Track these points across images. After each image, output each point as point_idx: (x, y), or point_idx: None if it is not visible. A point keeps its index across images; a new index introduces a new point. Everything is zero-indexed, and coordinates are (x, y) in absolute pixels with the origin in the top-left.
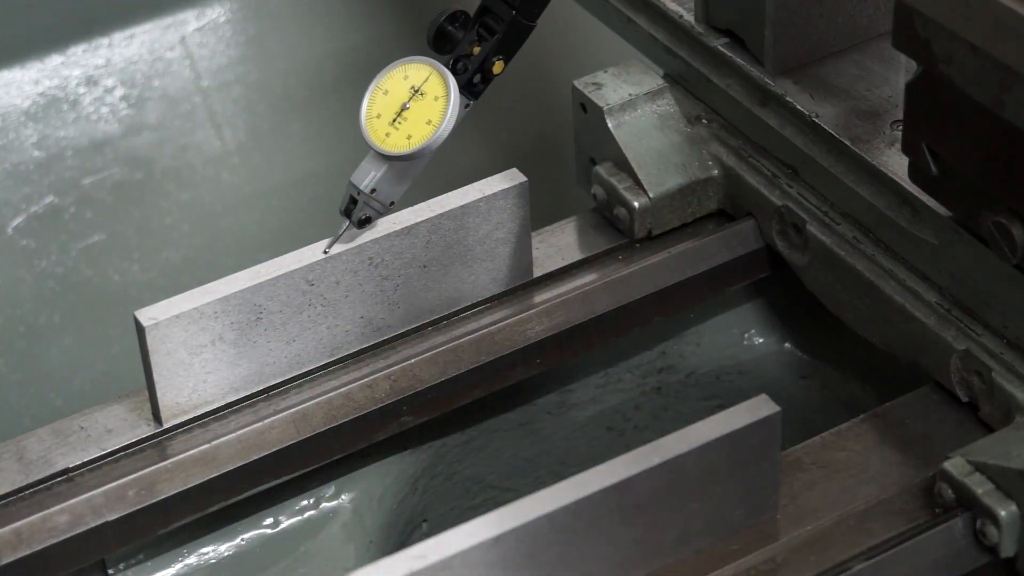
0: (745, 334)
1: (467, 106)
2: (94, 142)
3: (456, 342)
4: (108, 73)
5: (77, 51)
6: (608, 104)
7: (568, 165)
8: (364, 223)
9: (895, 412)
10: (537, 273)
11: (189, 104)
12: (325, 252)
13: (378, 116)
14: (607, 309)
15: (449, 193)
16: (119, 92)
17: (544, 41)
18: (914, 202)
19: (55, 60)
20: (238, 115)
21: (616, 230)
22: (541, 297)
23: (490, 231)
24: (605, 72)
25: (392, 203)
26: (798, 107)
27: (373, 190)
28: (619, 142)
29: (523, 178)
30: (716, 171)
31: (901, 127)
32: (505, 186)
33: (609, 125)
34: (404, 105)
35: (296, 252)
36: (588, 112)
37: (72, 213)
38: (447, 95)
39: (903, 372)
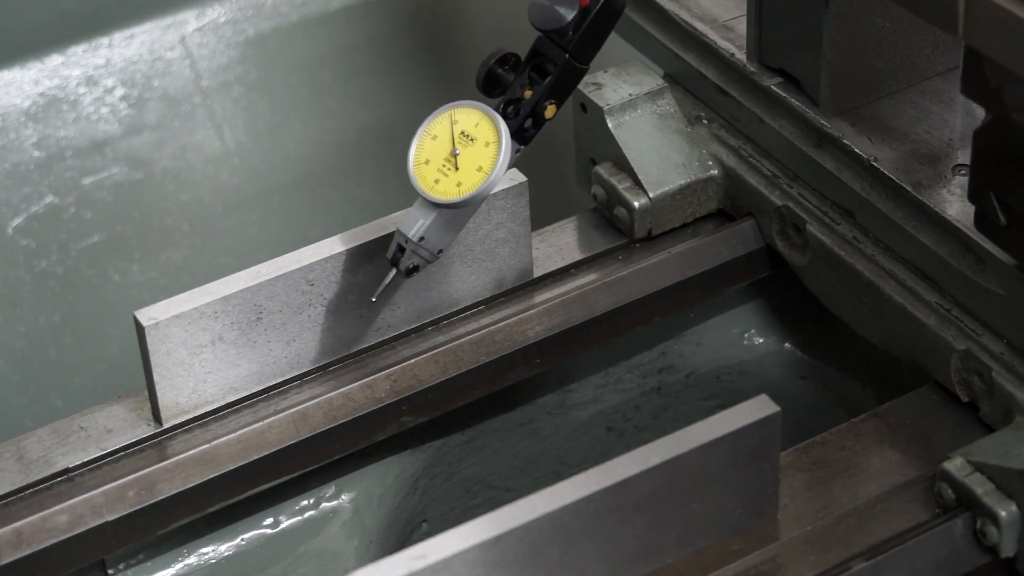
0: (745, 334)
1: (518, 151)
2: (94, 142)
3: (456, 342)
4: (108, 73)
5: (77, 51)
6: (608, 104)
7: (568, 165)
8: (412, 272)
9: (895, 412)
10: (537, 273)
11: (189, 104)
12: (372, 300)
13: (426, 162)
14: (607, 309)
15: None
16: (119, 92)
17: None
18: (979, 250)
19: (55, 60)
20: (238, 115)
21: (616, 230)
22: (541, 297)
23: (490, 231)
24: (605, 72)
25: (440, 251)
26: (856, 150)
27: (421, 238)
28: (619, 142)
29: (523, 178)
30: (716, 171)
31: (964, 172)
32: (505, 186)
33: (609, 125)
34: (453, 151)
35: (296, 252)
36: (588, 112)
37: (72, 213)
38: (498, 141)
39: (903, 372)
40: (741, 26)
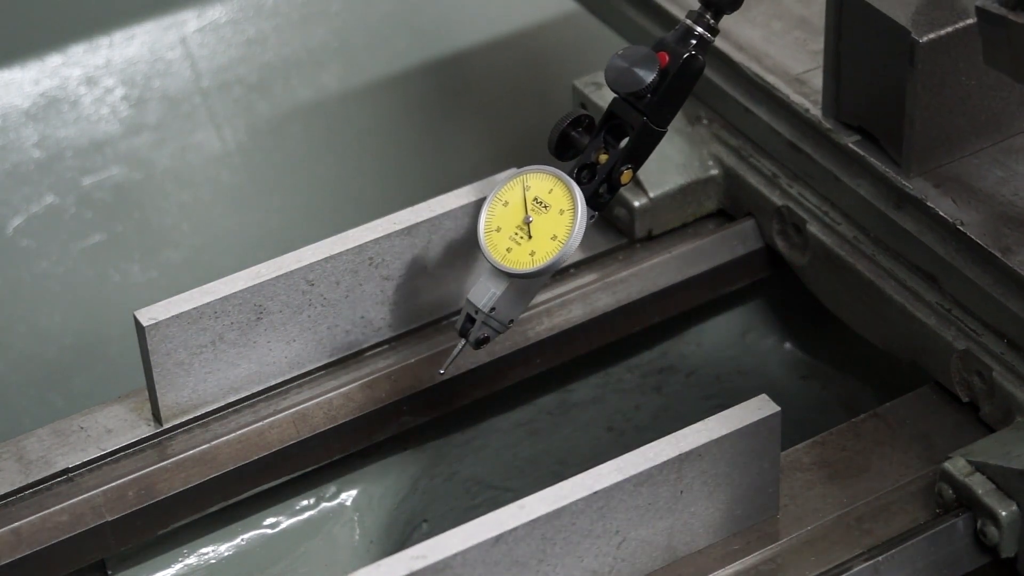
0: (745, 334)
1: (592, 218)
2: (94, 142)
3: (456, 342)
4: (108, 73)
5: (77, 51)
6: (608, 104)
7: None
8: (481, 343)
9: (895, 412)
10: None
11: (189, 104)
12: (441, 373)
13: (498, 230)
14: (607, 309)
15: (449, 193)
16: (119, 92)
17: (544, 41)
18: None
19: (55, 60)
20: (238, 115)
21: (616, 230)
22: (541, 297)
23: None
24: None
25: (511, 321)
26: (940, 212)
27: (492, 309)
28: None
29: None
30: (716, 171)
31: None
32: None
33: None
34: (526, 218)
35: (296, 252)
36: (588, 112)
37: (72, 213)
38: (574, 208)
39: (903, 372)
40: (815, 80)
